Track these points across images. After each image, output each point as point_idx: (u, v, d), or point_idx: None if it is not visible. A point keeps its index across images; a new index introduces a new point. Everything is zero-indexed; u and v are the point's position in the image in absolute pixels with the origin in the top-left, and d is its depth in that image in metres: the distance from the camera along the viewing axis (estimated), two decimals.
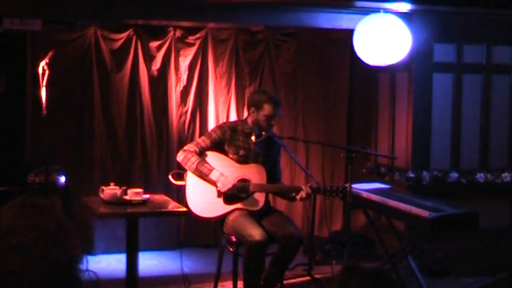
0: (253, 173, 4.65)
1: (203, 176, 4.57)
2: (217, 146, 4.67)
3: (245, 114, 5.10)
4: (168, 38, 6.26)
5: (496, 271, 5.24)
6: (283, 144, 4.93)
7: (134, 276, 4.53)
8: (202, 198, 4.61)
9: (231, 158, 4.67)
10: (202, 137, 4.79)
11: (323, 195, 4.75)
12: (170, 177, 4.85)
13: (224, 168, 4.61)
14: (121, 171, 6.15)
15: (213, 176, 4.55)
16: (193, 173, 4.60)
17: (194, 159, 4.57)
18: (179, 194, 4.81)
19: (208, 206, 4.62)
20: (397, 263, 5.11)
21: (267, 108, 4.62)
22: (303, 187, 4.57)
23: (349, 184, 4.44)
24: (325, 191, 4.59)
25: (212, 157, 4.65)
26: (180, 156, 4.63)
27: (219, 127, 4.79)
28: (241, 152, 4.66)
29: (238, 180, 4.62)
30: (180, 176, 4.71)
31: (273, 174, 4.75)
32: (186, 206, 4.57)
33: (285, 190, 4.83)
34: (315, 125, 6.69)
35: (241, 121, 4.88)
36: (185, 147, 4.67)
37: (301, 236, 4.58)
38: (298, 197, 4.57)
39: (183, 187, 4.69)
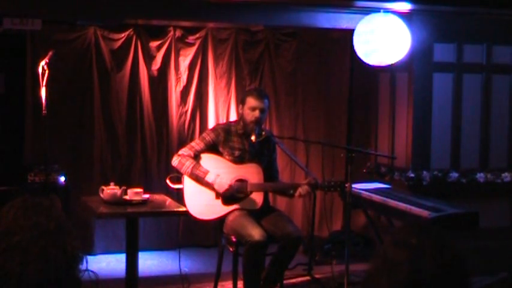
0: (250, 173, 4.65)
1: (199, 180, 4.57)
2: (212, 148, 4.67)
3: None
4: (168, 38, 6.26)
5: (496, 271, 5.24)
6: (278, 141, 4.93)
7: (134, 276, 4.53)
8: (200, 200, 4.61)
9: (227, 159, 4.67)
10: (196, 140, 4.80)
11: (322, 191, 4.77)
12: (168, 181, 4.85)
13: (221, 170, 4.62)
14: (121, 171, 6.15)
15: (209, 178, 4.55)
16: (189, 177, 4.60)
17: (189, 164, 4.57)
18: (179, 194, 4.82)
19: (207, 208, 4.62)
20: None
21: (249, 101, 4.64)
22: (301, 184, 4.59)
23: (349, 184, 4.44)
24: (323, 187, 4.61)
25: (208, 159, 4.64)
26: (175, 161, 4.63)
27: (213, 129, 4.79)
28: (236, 153, 4.66)
29: (236, 181, 4.63)
30: (178, 180, 4.71)
31: (269, 173, 4.75)
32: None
33: (283, 188, 4.83)
34: (315, 125, 6.68)
35: (234, 122, 4.89)
36: (179, 152, 4.68)
37: (300, 235, 4.59)
38: (296, 194, 4.58)
39: (182, 189, 4.69)
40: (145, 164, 6.26)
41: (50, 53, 4.47)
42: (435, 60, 6.05)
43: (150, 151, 6.27)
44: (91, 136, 6.09)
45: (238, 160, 4.67)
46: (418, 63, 5.99)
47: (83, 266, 1.61)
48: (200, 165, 4.59)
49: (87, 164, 6.09)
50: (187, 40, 6.35)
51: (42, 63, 4.42)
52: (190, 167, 4.56)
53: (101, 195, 4.48)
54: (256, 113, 4.61)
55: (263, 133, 4.70)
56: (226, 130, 4.71)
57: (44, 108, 4.43)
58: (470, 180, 6.07)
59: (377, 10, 5.66)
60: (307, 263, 5.41)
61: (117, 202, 4.45)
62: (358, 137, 6.69)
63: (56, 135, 5.79)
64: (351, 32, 5.70)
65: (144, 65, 6.21)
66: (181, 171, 4.60)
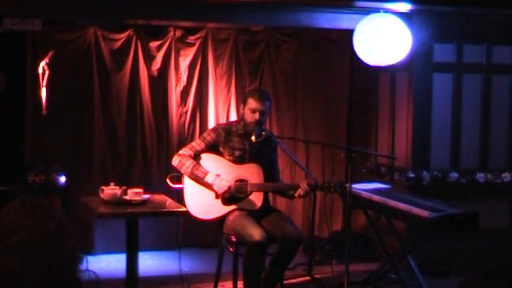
0: (250, 173, 4.65)
1: (198, 180, 4.57)
2: (212, 148, 4.67)
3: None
4: (168, 38, 6.26)
5: (496, 271, 5.24)
6: (279, 142, 4.93)
7: (134, 276, 4.53)
8: (200, 200, 4.61)
9: (227, 159, 4.67)
10: (197, 140, 4.80)
11: (322, 192, 4.77)
12: (168, 180, 4.85)
13: (221, 170, 4.62)
14: (121, 171, 6.15)
15: (208, 178, 4.54)
16: (189, 177, 4.60)
17: (189, 164, 4.57)
18: (179, 194, 4.82)
19: (207, 207, 4.62)
20: (397, 263, 5.11)
21: (250, 102, 4.64)
22: (301, 184, 4.59)
23: (349, 184, 4.44)
24: (323, 188, 4.61)
25: (209, 159, 4.64)
26: (175, 161, 4.63)
27: (213, 129, 4.79)
28: (237, 153, 4.66)
29: (236, 181, 4.62)
30: (178, 179, 4.71)
31: (270, 173, 4.75)
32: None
33: (283, 188, 4.83)
34: (315, 125, 6.68)
35: (235, 122, 4.89)
36: (180, 152, 4.68)
37: (300, 235, 4.59)
38: (296, 194, 4.58)
39: (182, 189, 4.69)
40: (145, 164, 6.26)
41: (50, 53, 4.47)
42: (435, 60, 6.05)
43: (150, 151, 6.27)
44: (91, 136, 6.09)
45: (238, 160, 4.67)
46: (418, 63, 5.99)
47: (83, 266, 1.60)
48: (200, 165, 4.59)
49: (87, 164, 6.09)
50: (187, 40, 6.35)
51: (42, 63, 4.42)
52: (191, 167, 4.56)
53: (101, 195, 4.48)
54: (257, 115, 4.61)
55: (263, 133, 4.70)
56: (227, 130, 4.71)
57: (44, 108, 4.43)
58: (470, 180, 6.07)
59: (377, 10, 5.66)
60: (307, 263, 5.41)
61: (117, 202, 4.45)
62: (358, 137, 6.69)
63: (56, 135, 5.79)
64: (351, 32, 5.70)
65: (144, 65, 6.21)
66: (182, 171, 4.60)
